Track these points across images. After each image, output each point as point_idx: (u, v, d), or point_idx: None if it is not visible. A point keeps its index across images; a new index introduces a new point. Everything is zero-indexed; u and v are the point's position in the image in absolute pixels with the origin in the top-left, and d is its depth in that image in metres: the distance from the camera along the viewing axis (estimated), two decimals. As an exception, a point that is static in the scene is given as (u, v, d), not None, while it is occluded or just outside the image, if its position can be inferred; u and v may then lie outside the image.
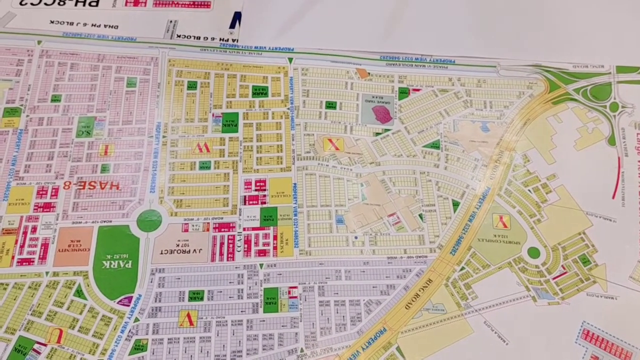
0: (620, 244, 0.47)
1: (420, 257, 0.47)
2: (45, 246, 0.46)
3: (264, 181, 0.49)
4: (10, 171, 0.49)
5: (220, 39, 0.55)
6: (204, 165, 0.49)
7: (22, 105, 0.51)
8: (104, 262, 0.46)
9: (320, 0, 0.56)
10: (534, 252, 0.47)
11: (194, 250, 0.46)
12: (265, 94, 0.52)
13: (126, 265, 0.46)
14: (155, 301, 0.45)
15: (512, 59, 0.54)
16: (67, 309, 0.44)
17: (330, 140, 0.51)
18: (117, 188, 0.48)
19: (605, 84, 0.53)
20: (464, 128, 0.52)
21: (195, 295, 0.45)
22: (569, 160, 0.50)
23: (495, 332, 0.44)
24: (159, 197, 0.48)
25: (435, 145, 0.51)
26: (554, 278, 0.46)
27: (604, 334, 0.44)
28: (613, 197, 0.49)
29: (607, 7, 0.56)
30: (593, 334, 0.44)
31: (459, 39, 0.55)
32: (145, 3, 0.57)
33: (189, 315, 0.44)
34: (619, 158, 0.50)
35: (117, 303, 0.45)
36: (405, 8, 0.56)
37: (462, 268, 0.46)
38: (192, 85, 0.53)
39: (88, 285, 0.45)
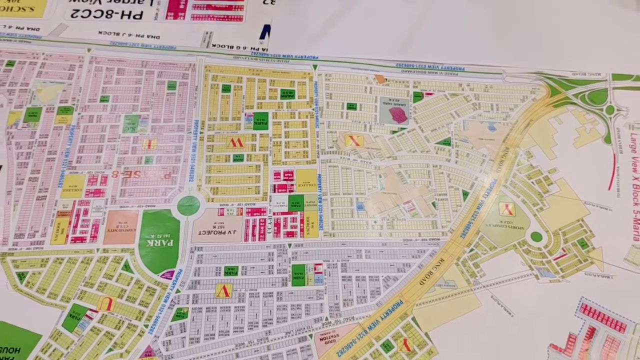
0: (615, 229, 0.54)
1: (433, 239, 0.54)
2: (96, 226, 0.54)
3: (292, 172, 0.56)
4: (64, 162, 0.56)
5: (251, 48, 0.63)
6: (238, 158, 0.57)
7: (74, 104, 0.59)
8: (149, 240, 0.53)
9: (341, 14, 0.64)
10: (536, 236, 0.54)
11: (229, 231, 0.54)
12: (293, 97, 0.60)
13: (168, 244, 0.53)
14: (195, 275, 0.52)
15: (517, 67, 0.62)
16: (116, 280, 0.51)
17: (351, 137, 0.58)
18: (160, 177, 0.55)
19: (602, 90, 0.61)
20: (473, 127, 0.59)
21: (230, 271, 0.52)
22: (568, 156, 0.57)
23: (502, 305, 0.51)
24: (197, 185, 0.55)
25: (447, 142, 0.58)
26: (555, 259, 0.53)
27: (601, 308, 0.51)
28: (609, 189, 0.56)
29: (604, 21, 0.64)
30: (591, 308, 0.51)
31: (468, 49, 0.63)
32: (184, 17, 0.65)
33: (224, 288, 0.51)
34: (614, 155, 0.58)
35: (161, 276, 0.52)
36: (420, 21, 0.64)
37: (472, 249, 0.53)
38: (226, 88, 0.61)
39: (134, 261, 0.52)
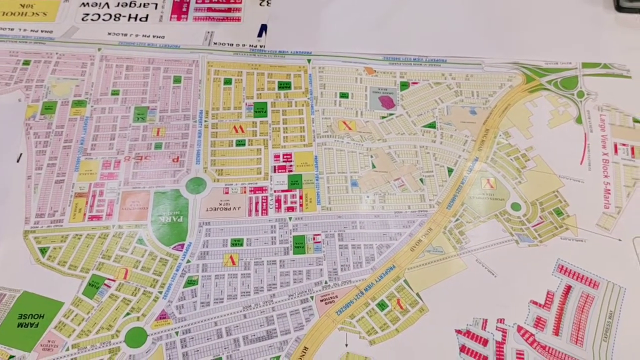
0: (587, 199, 0.60)
1: (421, 211, 0.60)
2: (111, 205, 0.59)
3: (290, 154, 0.63)
4: (80, 149, 0.62)
5: (250, 45, 0.70)
6: (240, 143, 0.63)
7: (87, 98, 0.65)
8: (160, 217, 0.59)
9: (332, 13, 0.71)
10: (516, 206, 0.60)
11: (234, 207, 0.60)
12: (289, 88, 0.67)
13: (178, 220, 0.59)
14: (203, 247, 0.58)
15: (495, 57, 0.69)
16: (131, 253, 0.57)
17: (344, 122, 0.65)
18: (169, 160, 0.62)
19: (573, 77, 0.68)
20: (456, 112, 0.66)
21: (236, 242, 0.58)
22: (543, 136, 0.64)
23: (485, 268, 0.57)
24: (203, 167, 0.62)
25: (432, 126, 0.65)
26: (533, 226, 0.59)
27: (576, 268, 0.57)
28: (581, 164, 0.62)
29: (574, 17, 0.71)
30: (567, 268, 0.57)
31: (450, 43, 0.70)
32: (187, 18, 0.72)
33: (231, 257, 0.57)
34: (585, 134, 0.64)
35: (172, 249, 0.57)
36: (404, 17, 0.71)
37: (457, 219, 0.59)
38: (227, 82, 0.67)
39: (147, 235, 0.58)
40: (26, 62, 0.65)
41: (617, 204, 0.58)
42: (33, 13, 0.69)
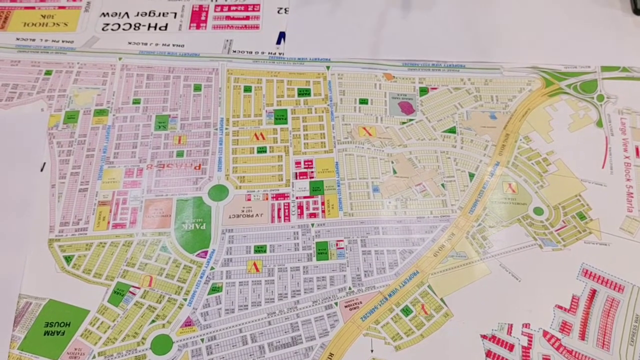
0: (610, 203, 0.60)
1: (444, 216, 0.60)
2: (134, 213, 0.60)
3: (311, 161, 0.63)
4: (102, 157, 0.63)
5: (269, 53, 0.70)
6: (261, 150, 0.63)
7: (108, 107, 0.66)
8: (183, 224, 0.59)
9: (350, 20, 0.72)
10: (538, 211, 0.60)
11: (257, 214, 0.60)
12: (309, 94, 0.67)
13: (201, 227, 0.59)
14: (227, 254, 0.58)
15: (513, 62, 0.69)
16: (155, 261, 0.57)
17: (364, 128, 0.65)
18: (191, 168, 0.62)
19: (592, 81, 0.68)
20: (476, 117, 0.66)
21: (260, 249, 0.58)
22: (564, 140, 0.64)
23: (509, 272, 0.57)
24: (225, 175, 0.62)
25: (452, 131, 0.65)
26: (556, 230, 0.59)
27: (601, 272, 0.57)
28: (602, 167, 0.62)
29: (592, 20, 0.71)
30: (591, 272, 0.57)
31: (468, 48, 0.70)
32: (206, 27, 0.72)
33: (255, 264, 0.57)
34: (606, 137, 0.64)
35: (196, 256, 0.58)
36: (422, 23, 0.71)
37: (479, 224, 0.59)
38: (247, 89, 0.67)
39: (171, 243, 0.58)
40: (48, 72, 0.66)
41: (640, 208, 0.57)
42: (54, 23, 0.70)
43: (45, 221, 0.58)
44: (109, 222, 0.58)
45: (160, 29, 0.70)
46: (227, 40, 0.69)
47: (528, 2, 0.72)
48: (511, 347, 0.51)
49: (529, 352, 0.51)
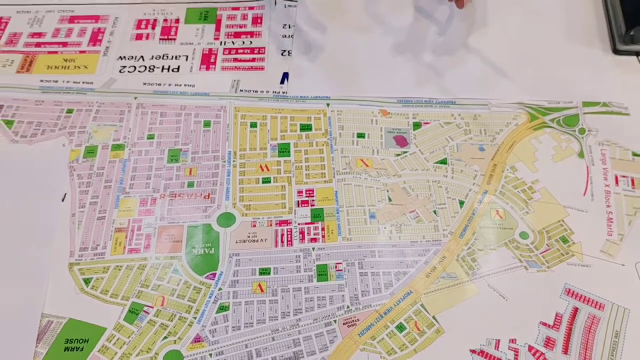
0: (591, 227, 0.65)
1: (435, 240, 0.65)
2: (148, 239, 0.65)
3: (312, 190, 0.69)
4: (119, 188, 0.69)
5: (273, 92, 0.76)
6: (266, 180, 0.69)
7: (125, 142, 0.72)
8: (193, 249, 0.64)
9: (349, 60, 0.78)
10: (524, 235, 0.65)
11: (261, 239, 0.65)
12: (310, 129, 0.73)
13: (210, 252, 0.64)
14: (234, 276, 0.63)
15: (500, 98, 0.75)
16: (167, 282, 0.62)
17: (361, 160, 0.71)
18: (200, 197, 0.68)
19: (574, 115, 0.74)
20: (465, 149, 0.72)
21: (264, 271, 0.63)
22: (548, 169, 0.69)
23: (497, 292, 0.61)
24: (233, 203, 0.68)
25: (444, 162, 0.71)
26: (540, 253, 0.64)
27: (582, 292, 0.61)
28: (584, 194, 0.68)
29: (574, 59, 0.77)
30: (574, 291, 0.61)
31: (458, 86, 0.76)
32: (215, 68, 0.79)
33: (260, 285, 0.62)
34: (587, 167, 0.70)
35: (205, 278, 0.63)
36: (416, 65, 0.78)
37: (469, 247, 0.64)
38: (253, 125, 0.74)
39: (182, 266, 0.63)
40: (69, 111, 0.72)
41: (619, 232, 0.63)
42: (75, 67, 0.77)
43: (66, 246, 0.63)
44: (124, 247, 0.63)
45: (172, 70, 0.76)
46: (235, 81, 0.75)
47: (514, 44, 0.78)
48: (498, 361, 0.55)
49: (515, 365, 0.55)
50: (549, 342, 0.56)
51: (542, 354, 0.55)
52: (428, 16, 0.81)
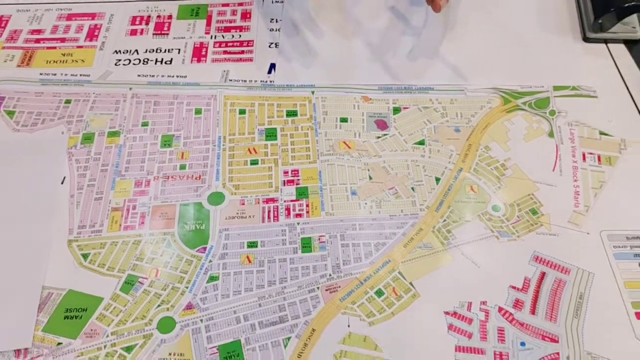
0: (559, 200, 0.69)
1: (413, 214, 0.70)
2: (142, 217, 0.70)
3: (298, 170, 0.73)
4: (115, 171, 0.73)
5: (261, 81, 0.81)
6: (254, 162, 0.74)
7: (120, 129, 0.77)
8: (185, 225, 0.69)
9: (332, 51, 0.83)
10: (496, 208, 0.70)
11: (249, 216, 0.70)
12: (296, 115, 0.78)
13: (201, 227, 0.69)
14: (223, 249, 0.67)
15: (476, 84, 0.80)
16: (161, 255, 0.67)
17: (344, 142, 0.76)
18: (192, 178, 0.73)
19: (545, 98, 0.79)
20: (442, 131, 0.76)
21: (252, 244, 0.68)
22: (520, 148, 0.74)
23: (470, 259, 0.66)
24: (222, 183, 0.72)
25: (421, 143, 0.76)
26: (511, 224, 0.68)
27: (549, 258, 0.66)
28: (553, 170, 0.73)
29: (546, 46, 0.82)
30: (541, 258, 0.66)
31: (436, 73, 0.81)
32: (206, 60, 0.84)
33: (248, 257, 0.67)
34: (556, 145, 0.74)
35: (196, 251, 0.67)
36: (396, 52, 0.83)
37: (444, 220, 0.69)
38: (242, 112, 0.78)
39: (174, 241, 0.68)
40: (67, 101, 0.77)
41: (585, 204, 0.68)
42: (73, 60, 0.82)
43: (65, 225, 0.68)
44: (120, 225, 0.67)
45: (165, 63, 0.82)
46: (225, 71, 0.80)
47: (489, 32, 0.83)
48: (470, 321, 0.60)
49: (485, 325, 0.60)
50: (517, 304, 0.60)
51: (511, 314, 0.60)
52: (408, 9, 0.86)
